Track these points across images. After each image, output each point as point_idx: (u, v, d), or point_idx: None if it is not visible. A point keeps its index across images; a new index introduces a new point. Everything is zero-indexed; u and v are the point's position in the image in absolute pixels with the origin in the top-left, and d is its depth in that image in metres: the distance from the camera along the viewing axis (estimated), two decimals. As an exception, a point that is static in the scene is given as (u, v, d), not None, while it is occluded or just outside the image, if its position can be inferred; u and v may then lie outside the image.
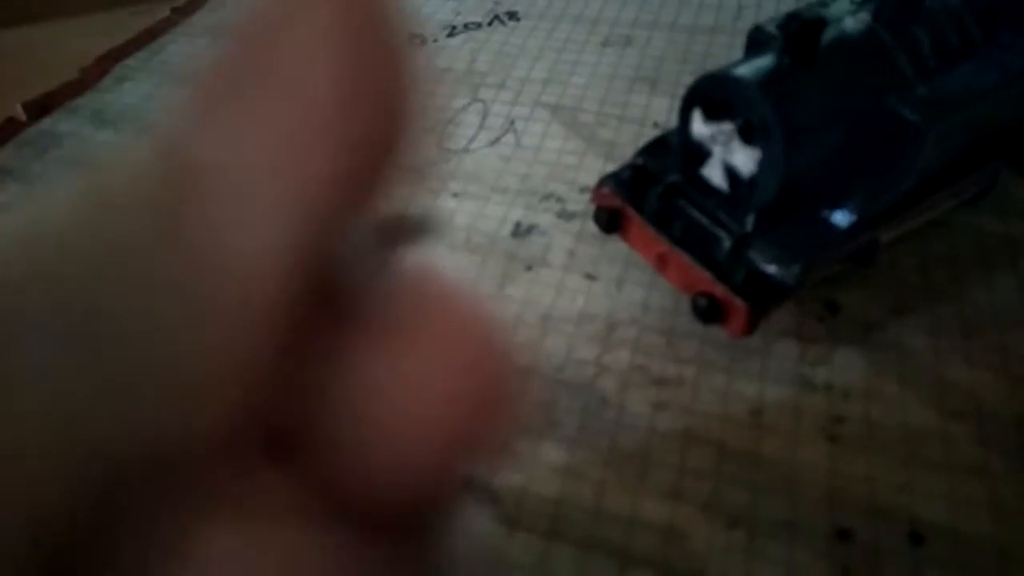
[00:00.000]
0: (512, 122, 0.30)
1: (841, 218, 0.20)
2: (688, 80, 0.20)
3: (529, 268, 0.24)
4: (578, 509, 0.18)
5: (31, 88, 0.32)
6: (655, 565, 0.17)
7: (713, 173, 0.20)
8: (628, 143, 0.28)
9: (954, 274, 0.23)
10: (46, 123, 0.31)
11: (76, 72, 0.33)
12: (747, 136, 0.19)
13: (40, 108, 0.31)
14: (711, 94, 0.19)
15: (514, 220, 0.26)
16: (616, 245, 0.24)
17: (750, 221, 0.20)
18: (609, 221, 0.22)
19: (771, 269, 0.19)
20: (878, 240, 0.21)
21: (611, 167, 0.25)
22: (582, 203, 0.26)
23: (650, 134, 0.29)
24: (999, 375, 0.20)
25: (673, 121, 0.22)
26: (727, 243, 0.20)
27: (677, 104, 0.27)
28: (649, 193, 0.21)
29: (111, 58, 0.34)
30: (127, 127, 0.30)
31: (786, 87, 0.18)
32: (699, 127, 0.20)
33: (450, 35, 0.35)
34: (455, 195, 0.27)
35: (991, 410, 0.20)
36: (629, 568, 0.17)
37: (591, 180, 0.26)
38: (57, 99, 0.32)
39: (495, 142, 0.29)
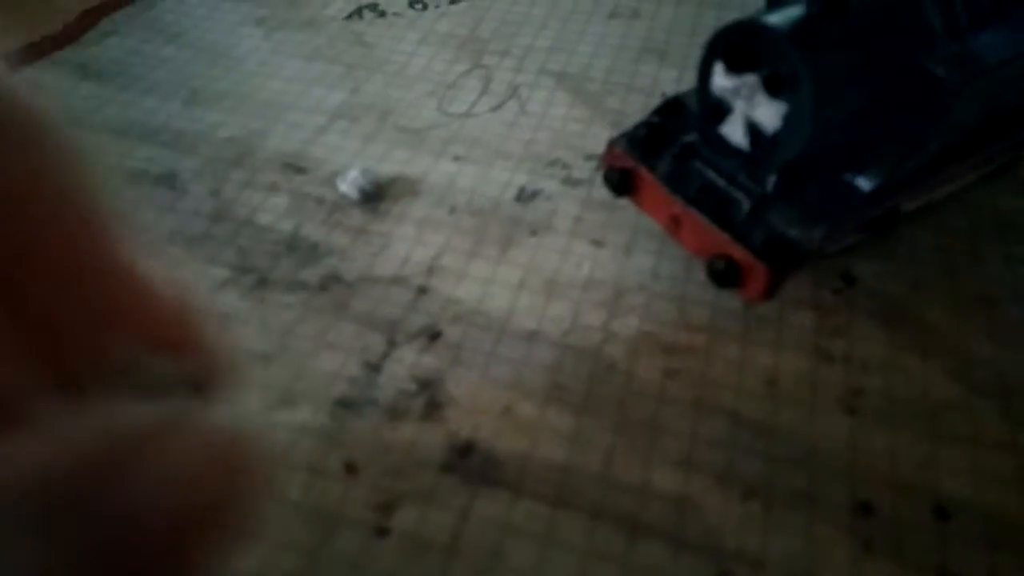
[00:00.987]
0: (516, 88, 0.29)
1: (864, 182, 0.19)
2: (698, 54, 0.19)
3: (534, 233, 0.23)
4: (586, 477, 0.17)
5: (16, 40, 0.31)
6: (667, 536, 0.16)
7: (733, 130, 0.19)
8: (636, 112, 0.27)
9: (973, 250, 0.22)
10: (29, 74, 0.29)
11: (60, 26, 0.32)
12: (773, 88, 0.18)
13: (23, 59, 0.29)
14: (736, 44, 0.18)
15: (518, 185, 0.25)
16: (624, 212, 0.23)
17: (771, 182, 0.19)
18: (620, 182, 0.21)
19: (792, 232, 0.18)
20: (899, 208, 0.20)
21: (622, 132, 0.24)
22: (588, 170, 0.25)
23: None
24: (1021, 351, 0.19)
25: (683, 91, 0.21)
26: (746, 205, 0.19)
27: (686, 76, 0.26)
28: (663, 153, 0.20)
29: (98, 12, 0.32)
30: (111, 81, 0.29)
31: (816, 37, 0.17)
32: (721, 80, 0.19)
33: (453, 2, 0.33)
34: (456, 158, 0.26)
35: (1016, 386, 0.19)
36: (639, 538, 0.16)
37: (597, 147, 0.25)
38: (41, 50, 0.30)
39: (498, 108, 0.28)
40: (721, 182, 0.20)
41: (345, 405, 0.18)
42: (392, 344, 0.20)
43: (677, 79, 0.29)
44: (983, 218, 0.23)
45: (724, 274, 0.19)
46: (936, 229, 0.23)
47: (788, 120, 0.18)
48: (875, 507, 0.17)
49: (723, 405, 0.18)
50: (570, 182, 0.25)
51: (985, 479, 0.17)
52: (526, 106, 0.28)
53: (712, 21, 0.32)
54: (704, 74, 0.19)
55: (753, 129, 0.19)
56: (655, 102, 0.28)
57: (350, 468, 0.17)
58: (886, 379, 0.19)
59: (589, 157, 0.26)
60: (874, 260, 0.22)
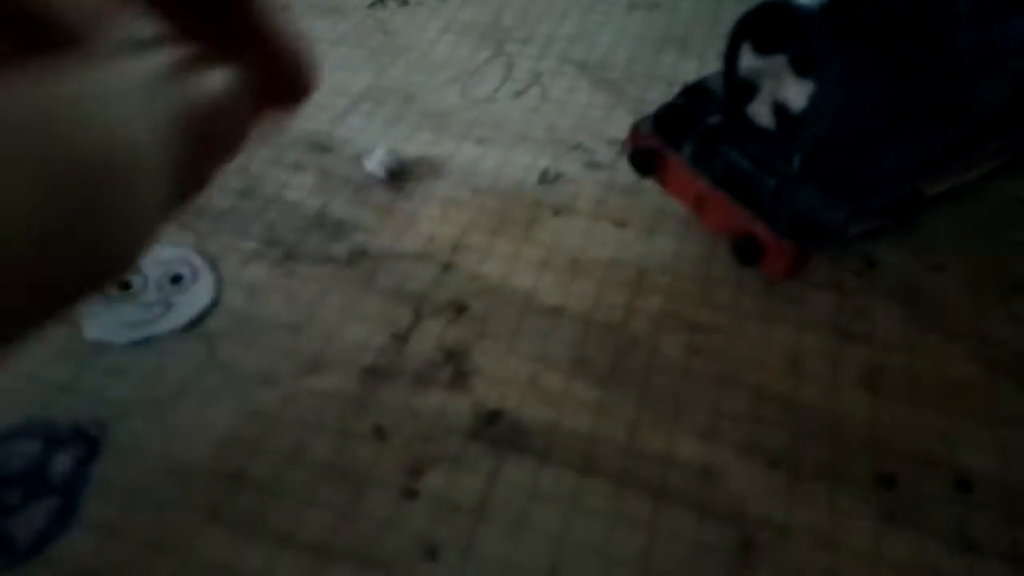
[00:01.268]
0: (538, 75, 0.29)
1: (889, 163, 0.19)
2: (719, 44, 0.20)
3: (557, 214, 0.23)
4: (611, 446, 0.17)
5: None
6: (692, 503, 0.16)
7: (760, 111, 0.19)
8: (657, 100, 0.27)
9: (992, 238, 0.22)
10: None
11: None
12: (801, 68, 0.18)
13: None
14: (764, 24, 0.18)
15: (541, 168, 0.25)
16: (646, 196, 0.23)
17: (796, 162, 0.19)
18: (645, 163, 0.21)
19: (817, 211, 0.19)
20: (922, 192, 0.21)
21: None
22: (610, 154, 0.25)
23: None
24: (1042, 334, 0.20)
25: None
26: (771, 184, 0.19)
27: (707, 67, 0.26)
28: (688, 134, 0.21)
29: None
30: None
31: (845, 16, 0.17)
32: (748, 60, 0.19)
33: (474, -9, 0.34)
34: (480, 141, 0.26)
35: (1036, 366, 0.19)
36: (664, 505, 0.16)
37: (619, 133, 0.25)
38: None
39: (521, 94, 0.28)
40: (746, 163, 0.20)
41: (373, 373, 0.19)
42: (419, 316, 0.20)
43: (698, 70, 0.29)
44: (1002, 207, 0.23)
45: (749, 251, 0.19)
46: (956, 217, 0.23)
47: (815, 99, 0.18)
48: (898, 479, 0.17)
49: (746, 380, 0.19)
50: (592, 166, 0.25)
51: (1007, 454, 0.17)
52: (548, 92, 0.28)
53: (732, 14, 0.32)
54: (731, 55, 0.19)
55: (780, 109, 0.19)
56: (676, 91, 0.28)
57: (379, 432, 0.17)
58: (907, 358, 0.19)
59: (611, 142, 0.26)
60: (895, 245, 0.22)
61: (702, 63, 0.29)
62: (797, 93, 0.18)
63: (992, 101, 0.19)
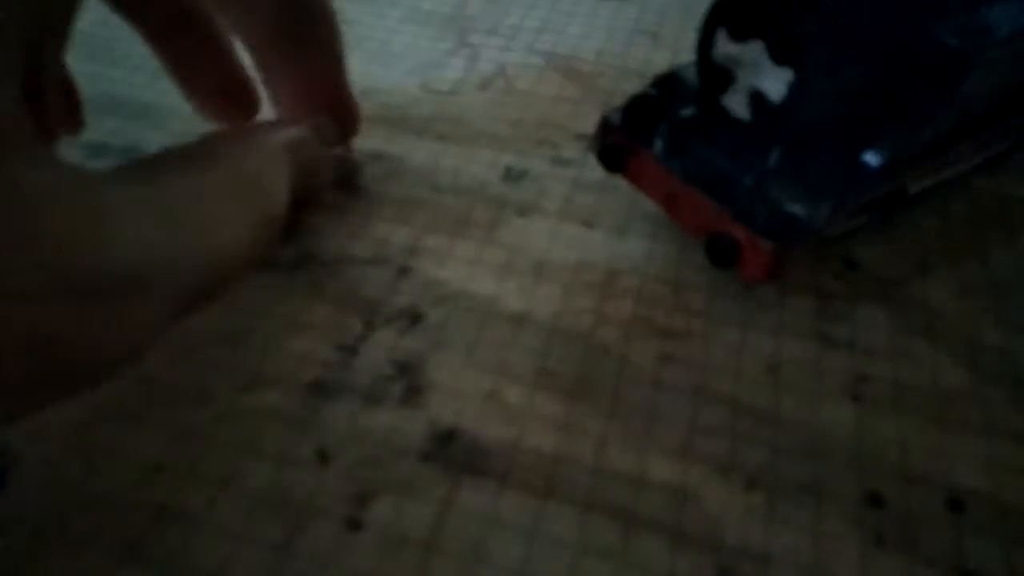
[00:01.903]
0: (503, 67, 0.27)
1: (872, 157, 0.18)
2: (692, 36, 0.18)
3: (522, 214, 0.22)
4: (576, 466, 0.16)
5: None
6: (664, 529, 0.15)
7: (735, 101, 0.18)
8: (628, 93, 0.26)
9: (977, 236, 0.21)
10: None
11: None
12: (779, 55, 0.17)
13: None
14: (741, 9, 0.17)
15: (505, 165, 0.23)
16: (616, 194, 0.22)
17: (774, 156, 0.18)
18: (614, 158, 0.20)
19: (796, 208, 0.17)
20: (905, 188, 0.19)
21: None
22: (578, 150, 0.24)
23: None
24: (1032, 338, 0.19)
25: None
26: (747, 180, 0.18)
27: (679, 58, 0.25)
28: (659, 127, 0.19)
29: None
30: (75, 52, 0.27)
31: (825, 1, 0.16)
32: (723, 47, 0.18)
33: (437, -20, 0.32)
34: (440, 137, 0.24)
35: (1027, 373, 0.18)
36: (635, 531, 0.15)
37: (588, 128, 0.24)
38: None
39: (485, 87, 0.27)
40: (721, 157, 0.19)
41: (318, 389, 0.17)
42: (370, 326, 0.18)
43: (670, 61, 0.28)
44: (986, 204, 0.22)
45: (724, 253, 0.18)
46: (939, 215, 0.22)
47: (794, 89, 0.17)
48: (885, 499, 0.15)
49: (722, 392, 0.17)
50: (559, 162, 0.24)
51: (999, 470, 0.16)
52: (514, 85, 0.27)
53: (704, 4, 0.31)
54: (705, 42, 0.18)
55: (757, 100, 0.18)
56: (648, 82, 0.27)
57: (322, 456, 0.16)
58: (892, 365, 0.18)
59: (579, 137, 0.24)
60: (876, 245, 0.21)
61: (675, 55, 0.28)
62: (775, 82, 0.17)
63: (980, 90, 0.18)
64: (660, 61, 0.28)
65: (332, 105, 0.21)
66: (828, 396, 0.17)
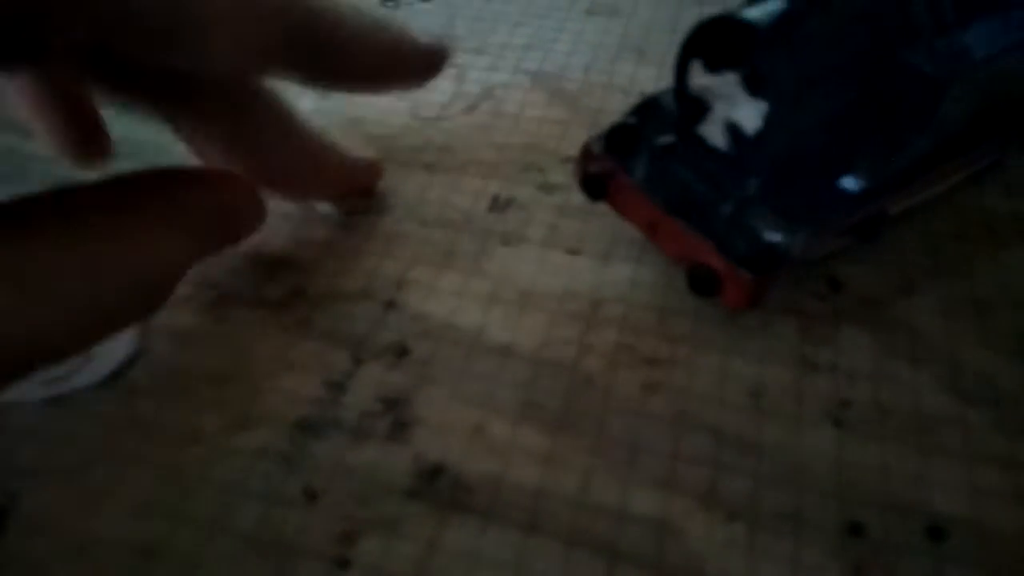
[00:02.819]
0: (491, 88, 0.28)
1: (851, 184, 0.18)
2: (676, 52, 0.18)
3: (507, 243, 0.22)
4: (561, 500, 0.16)
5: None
6: (647, 563, 0.15)
7: (712, 131, 0.18)
8: (614, 112, 0.26)
9: (962, 253, 0.21)
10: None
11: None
12: (753, 87, 0.17)
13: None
14: (714, 40, 0.17)
15: (491, 194, 0.24)
16: (601, 220, 0.22)
17: (753, 185, 0.18)
18: (596, 186, 0.20)
19: (775, 237, 0.17)
20: (885, 211, 0.19)
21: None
22: (564, 174, 0.24)
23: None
24: (1015, 359, 0.19)
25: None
26: (726, 209, 0.18)
27: (665, 74, 0.25)
28: (640, 155, 0.20)
29: None
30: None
31: (798, 33, 0.16)
32: (698, 79, 0.18)
33: None
34: (427, 167, 0.25)
35: (1010, 396, 0.18)
36: (618, 566, 0.15)
37: (574, 150, 0.24)
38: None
39: (471, 109, 0.27)
40: (701, 185, 0.19)
41: (306, 426, 0.17)
42: (357, 362, 0.19)
43: (656, 77, 0.28)
44: (970, 220, 0.22)
45: (704, 283, 0.18)
46: (923, 231, 0.22)
47: (769, 120, 0.17)
48: (866, 528, 0.16)
49: (705, 420, 0.18)
50: (546, 188, 0.24)
51: (981, 496, 0.16)
52: (501, 107, 0.27)
53: (692, 19, 0.31)
54: (681, 72, 0.18)
55: (733, 130, 0.18)
56: (634, 102, 0.27)
57: (309, 495, 0.16)
58: (875, 389, 0.18)
59: (565, 160, 0.25)
60: (860, 264, 0.21)
61: (660, 71, 0.28)
62: (750, 114, 0.17)
63: (957, 114, 0.18)
64: (646, 77, 0.28)
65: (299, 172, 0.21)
66: (810, 422, 0.18)
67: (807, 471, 0.17)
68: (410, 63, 0.21)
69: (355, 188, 0.23)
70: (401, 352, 0.19)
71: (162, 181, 0.16)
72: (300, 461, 0.17)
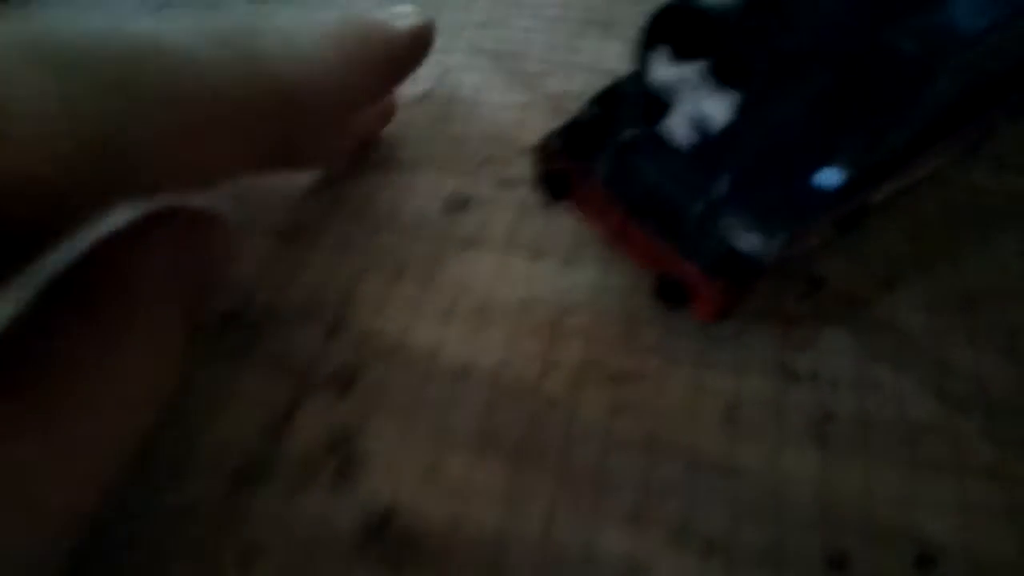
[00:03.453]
0: (446, 72, 0.26)
1: (829, 178, 0.17)
2: (644, 22, 0.16)
3: (465, 248, 0.20)
4: (522, 543, 0.15)
5: None
6: (617, 611, 0.14)
7: (678, 126, 0.16)
8: (578, 94, 0.24)
9: (949, 238, 0.20)
10: None
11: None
12: (721, 78, 0.15)
13: None
14: (677, 28, 0.15)
15: (447, 192, 0.22)
16: (564, 217, 0.21)
17: (723, 183, 0.16)
18: (556, 187, 0.19)
19: (748, 241, 0.16)
20: (868, 203, 0.18)
21: (560, 122, 0.22)
22: (525, 167, 0.22)
23: (603, 84, 0.25)
24: (1005, 358, 0.18)
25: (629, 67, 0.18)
26: (695, 210, 0.17)
27: (633, 49, 0.23)
28: (603, 151, 0.18)
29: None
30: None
31: (768, 16, 0.14)
32: (661, 70, 0.16)
33: (372, -26, 0.30)
34: (377, 165, 0.23)
35: (1000, 399, 0.17)
36: (585, 616, 0.14)
37: (536, 139, 0.22)
38: None
39: (424, 97, 0.25)
40: (668, 185, 0.17)
41: (245, 475, 0.16)
42: (300, 394, 0.17)
43: (622, 53, 0.26)
44: (958, 200, 0.21)
45: (673, 294, 0.16)
46: (908, 215, 0.21)
47: (740, 113, 0.15)
48: (850, 558, 0.15)
49: (678, 443, 0.16)
50: (505, 183, 0.22)
51: (972, 515, 0.15)
52: (456, 93, 0.25)
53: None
54: (643, 63, 0.16)
55: (701, 124, 0.16)
56: (599, 80, 0.25)
57: (248, 556, 0.15)
58: (858, 399, 0.17)
59: (525, 151, 0.23)
60: (842, 255, 0.20)
61: (627, 45, 0.26)
62: (719, 106, 0.15)
63: (943, 98, 0.17)
64: (611, 52, 0.26)
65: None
66: (790, 439, 0.16)
67: (788, 497, 0.15)
68: (399, 75, 0.19)
69: (370, 132, 0.22)
70: (348, 380, 0.17)
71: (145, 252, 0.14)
72: (239, 516, 0.15)
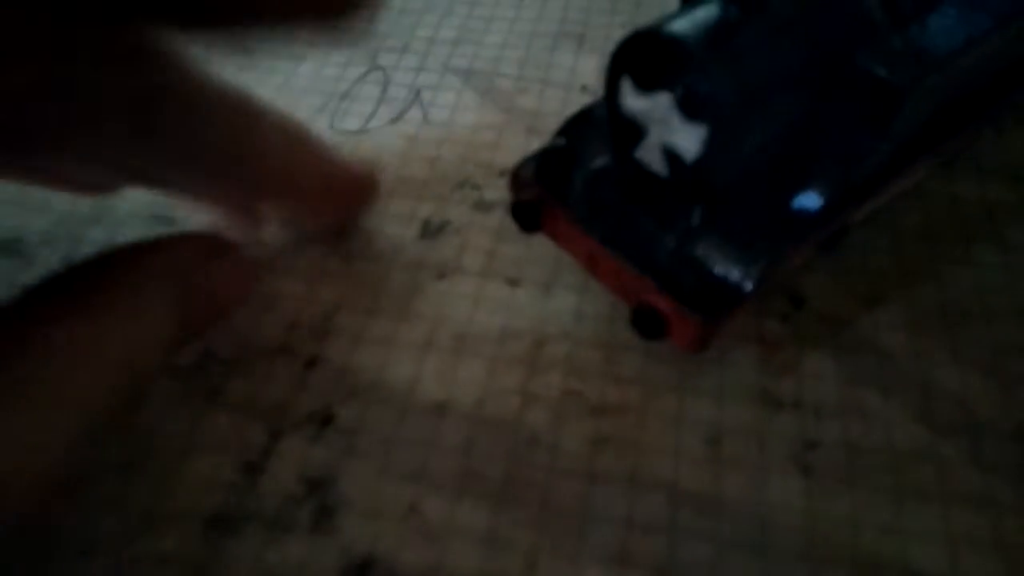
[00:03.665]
0: (418, 92, 0.25)
1: (805, 203, 0.16)
2: (619, 35, 0.16)
3: (441, 276, 0.20)
4: (504, 588, 0.15)
5: None
6: (600, 656, 0.14)
7: (650, 155, 0.16)
8: (553, 112, 0.24)
9: (931, 252, 0.20)
10: None
11: None
12: (689, 110, 0.15)
13: None
14: (644, 57, 0.15)
15: (422, 218, 0.22)
16: (543, 242, 0.20)
17: (697, 213, 0.16)
18: (529, 217, 0.18)
19: (725, 272, 0.16)
20: (847, 224, 0.18)
21: (535, 142, 0.21)
22: (501, 189, 0.22)
23: (578, 100, 0.25)
24: (990, 377, 0.17)
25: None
26: (670, 241, 0.16)
27: (607, 63, 0.23)
28: (573, 181, 0.18)
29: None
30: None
31: (735, 45, 0.14)
32: (630, 100, 0.16)
33: (344, -8, 0.30)
34: (351, 187, 0.22)
35: (986, 421, 0.17)
36: (568, 664, 0.14)
37: (512, 160, 0.22)
38: None
39: (398, 118, 0.24)
40: (641, 214, 0.17)
41: (219, 523, 0.16)
42: (276, 435, 0.17)
43: (597, 68, 0.26)
44: (940, 212, 0.21)
45: (650, 326, 0.16)
46: (890, 230, 0.20)
47: (709, 145, 0.15)
48: (836, 593, 0.14)
49: (660, 477, 0.16)
50: (482, 207, 0.22)
51: (959, 545, 0.15)
52: (429, 114, 0.25)
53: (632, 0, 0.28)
54: (611, 92, 0.16)
55: (671, 155, 0.16)
56: (574, 97, 0.25)
57: (224, 610, 0.14)
58: (843, 426, 0.17)
59: (502, 173, 0.22)
60: (824, 274, 0.19)
61: (602, 59, 0.26)
62: (688, 139, 0.15)
63: (919, 118, 0.16)
64: (586, 67, 0.26)
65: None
66: (775, 469, 0.16)
67: (772, 529, 0.15)
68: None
69: (353, 205, 0.21)
70: (325, 420, 0.17)
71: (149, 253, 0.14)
72: (214, 566, 0.15)
